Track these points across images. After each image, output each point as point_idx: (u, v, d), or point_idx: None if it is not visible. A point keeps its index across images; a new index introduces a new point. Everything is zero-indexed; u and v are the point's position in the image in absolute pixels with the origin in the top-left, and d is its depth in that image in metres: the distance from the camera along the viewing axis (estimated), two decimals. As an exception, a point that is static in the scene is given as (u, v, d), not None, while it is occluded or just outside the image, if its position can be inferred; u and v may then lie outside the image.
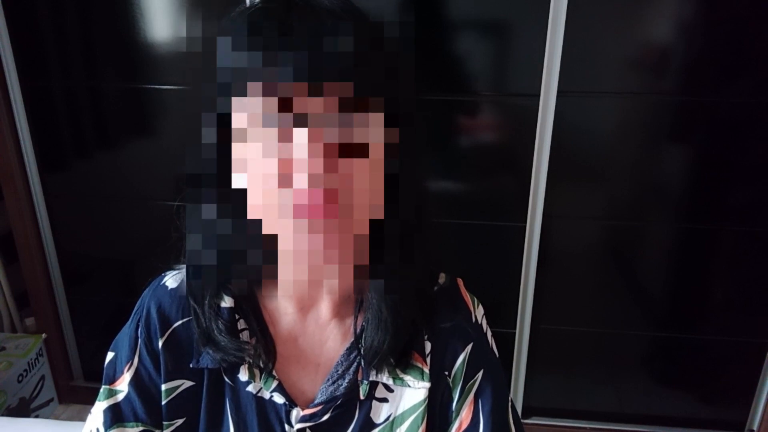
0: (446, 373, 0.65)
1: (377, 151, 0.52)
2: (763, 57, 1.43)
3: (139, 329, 0.63)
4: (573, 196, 1.62)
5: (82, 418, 2.07)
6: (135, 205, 1.73)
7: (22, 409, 1.81)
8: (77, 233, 1.84)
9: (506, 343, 1.76)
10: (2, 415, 1.69)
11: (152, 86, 1.62)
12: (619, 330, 1.75)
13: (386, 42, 0.52)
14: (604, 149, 1.59)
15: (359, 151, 0.51)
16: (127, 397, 0.62)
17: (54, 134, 1.73)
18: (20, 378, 1.80)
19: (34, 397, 1.87)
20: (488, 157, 1.62)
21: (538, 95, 1.49)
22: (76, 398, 2.01)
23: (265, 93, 0.50)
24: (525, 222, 1.62)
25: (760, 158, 1.53)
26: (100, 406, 0.63)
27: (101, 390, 0.64)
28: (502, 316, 1.74)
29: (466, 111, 1.58)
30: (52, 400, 1.96)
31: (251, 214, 0.53)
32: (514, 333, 1.75)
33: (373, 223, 0.53)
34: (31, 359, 1.84)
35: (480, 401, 0.66)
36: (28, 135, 1.71)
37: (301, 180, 0.50)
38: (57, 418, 1.93)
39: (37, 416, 1.87)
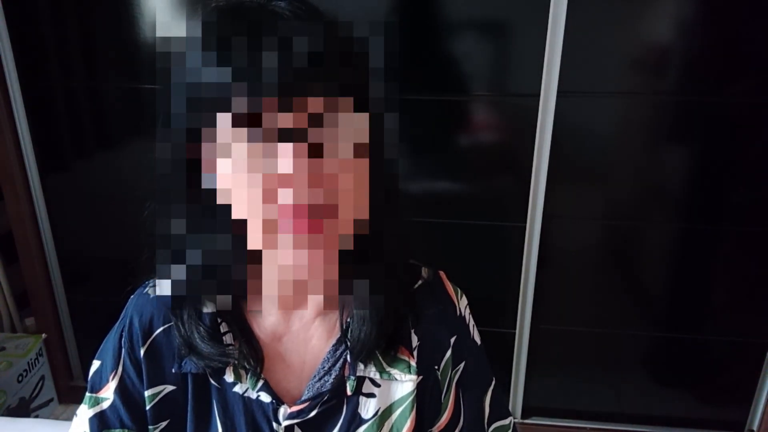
0: (436, 367, 0.66)
1: (361, 155, 0.52)
2: (763, 57, 1.43)
3: (123, 339, 0.64)
4: (573, 196, 1.62)
5: (82, 418, 2.03)
6: (135, 205, 1.72)
7: (22, 409, 1.81)
8: (77, 233, 1.84)
9: (506, 343, 1.76)
10: (2, 415, 1.69)
11: (152, 86, 1.62)
12: (619, 330, 1.75)
13: (362, 42, 0.52)
14: (604, 149, 1.59)
15: (334, 154, 0.51)
16: (112, 405, 0.64)
17: (54, 134, 1.73)
18: (20, 378, 1.80)
19: (34, 397, 1.87)
20: (488, 157, 1.62)
21: (538, 95, 1.49)
22: (76, 398, 2.01)
23: (235, 108, 0.50)
24: (525, 222, 1.62)
25: (760, 158, 1.53)
26: (85, 414, 0.65)
27: (86, 397, 0.65)
28: (502, 316, 1.74)
29: (467, 111, 1.58)
30: (52, 400, 1.96)
31: (234, 230, 0.53)
32: (514, 333, 1.75)
33: (358, 227, 0.54)
34: (31, 359, 1.84)
35: (460, 390, 0.68)
36: (28, 135, 1.71)
37: (284, 195, 0.50)
38: (57, 418, 1.93)
39: (37, 416, 1.87)
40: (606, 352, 1.78)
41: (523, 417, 1.87)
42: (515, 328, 1.74)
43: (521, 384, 1.81)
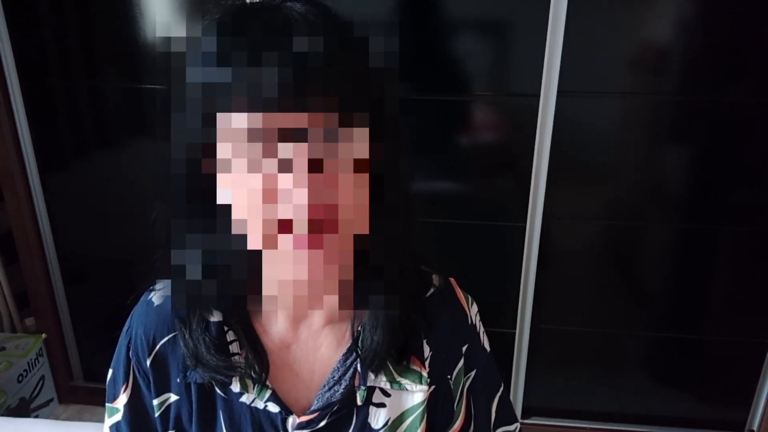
0: (448, 376, 0.65)
1: (355, 166, 0.52)
2: (763, 57, 1.43)
3: (130, 352, 0.64)
4: (573, 196, 1.62)
5: (82, 418, 2.07)
6: (135, 205, 1.72)
7: (22, 409, 1.81)
8: (77, 233, 1.84)
9: (506, 343, 1.76)
10: (2, 415, 1.69)
11: (152, 86, 1.62)
12: (619, 330, 1.75)
13: (362, 43, 0.52)
14: (604, 149, 1.59)
15: (334, 169, 0.50)
16: (125, 417, 0.64)
17: (54, 134, 1.73)
18: (20, 378, 1.80)
19: (34, 397, 1.87)
20: (488, 157, 1.62)
21: (538, 95, 1.49)
22: (76, 398, 2.01)
23: (235, 108, 0.49)
24: (525, 222, 1.62)
25: (760, 158, 1.53)
26: (107, 422, 0.66)
27: (106, 406, 0.66)
28: (502, 316, 1.74)
29: (467, 111, 1.58)
30: (52, 400, 1.96)
31: (235, 235, 0.52)
32: (514, 333, 1.75)
33: (358, 232, 0.53)
34: (31, 359, 1.84)
35: (471, 398, 0.68)
36: (28, 135, 1.71)
37: (284, 210, 0.49)
38: (57, 418, 1.93)
39: (37, 416, 1.87)
40: (606, 352, 1.78)
41: (523, 417, 1.87)
42: (515, 328, 1.74)
43: (521, 384, 1.81)
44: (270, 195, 0.50)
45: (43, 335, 1.90)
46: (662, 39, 1.46)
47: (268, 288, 0.56)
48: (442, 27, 1.49)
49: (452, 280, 0.70)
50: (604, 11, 1.43)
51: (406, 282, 0.61)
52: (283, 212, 0.50)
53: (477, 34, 1.50)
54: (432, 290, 0.67)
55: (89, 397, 1.98)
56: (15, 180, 1.73)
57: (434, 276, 0.68)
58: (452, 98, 1.55)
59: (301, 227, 0.50)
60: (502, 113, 1.58)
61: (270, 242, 0.51)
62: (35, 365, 1.86)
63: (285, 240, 0.50)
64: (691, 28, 1.44)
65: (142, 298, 0.66)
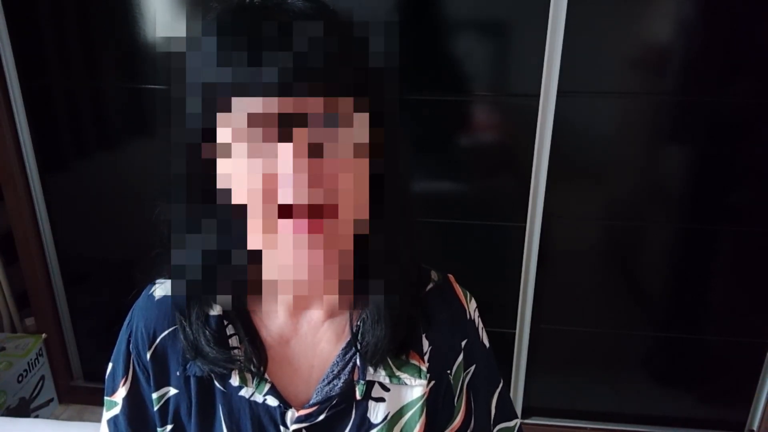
0: (448, 371, 0.66)
1: (361, 155, 0.52)
2: (763, 57, 1.43)
3: (131, 345, 0.64)
4: (573, 196, 1.62)
5: (82, 418, 2.07)
6: (135, 205, 1.72)
7: (22, 409, 1.81)
8: (77, 233, 1.84)
9: (506, 343, 1.76)
10: (2, 415, 1.69)
11: (152, 86, 1.62)
12: (619, 330, 1.75)
13: (362, 42, 0.52)
14: (604, 149, 1.59)
15: (334, 154, 0.51)
16: (123, 410, 0.65)
17: (54, 134, 1.73)
18: (20, 378, 1.80)
19: (34, 397, 1.87)
20: (488, 157, 1.62)
21: (538, 95, 1.49)
22: (76, 398, 2.01)
23: (235, 108, 0.50)
24: (525, 222, 1.62)
25: (760, 158, 1.53)
26: (105, 416, 0.66)
27: (104, 400, 0.67)
28: (502, 316, 1.74)
29: (466, 111, 1.58)
30: (51, 400, 1.96)
31: (236, 235, 0.53)
32: (514, 333, 1.75)
33: (358, 227, 0.54)
34: (31, 359, 1.84)
35: (471, 393, 0.68)
36: (28, 135, 1.71)
37: (284, 195, 0.50)
38: (57, 418, 1.93)
39: (37, 416, 1.87)
40: (606, 352, 1.78)
41: (523, 417, 1.87)
42: (515, 328, 1.74)
43: (521, 384, 1.81)
44: (270, 180, 0.50)
45: (43, 335, 1.90)
46: (662, 39, 1.46)
47: (268, 288, 0.56)
48: (442, 27, 1.49)
49: (450, 276, 0.70)
50: (604, 11, 1.43)
51: (407, 280, 0.62)
52: (284, 197, 0.50)
53: (477, 34, 1.50)
54: (430, 285, 0.68)
55: (89, 397, 1.98)
56: (15, 180, 1.73)
57: (432, 272, 0.69)
58: (452, 98, 1.55)
59: (301, 212, 0.50)
60: (502, 113, 1.58)
61: (270, 227, 0.51)
62: (35, 365, 1.86)
63: (285, 225, 0.50)
64: (691, 28, 1.44)
65: (143, 293, 0.66)
